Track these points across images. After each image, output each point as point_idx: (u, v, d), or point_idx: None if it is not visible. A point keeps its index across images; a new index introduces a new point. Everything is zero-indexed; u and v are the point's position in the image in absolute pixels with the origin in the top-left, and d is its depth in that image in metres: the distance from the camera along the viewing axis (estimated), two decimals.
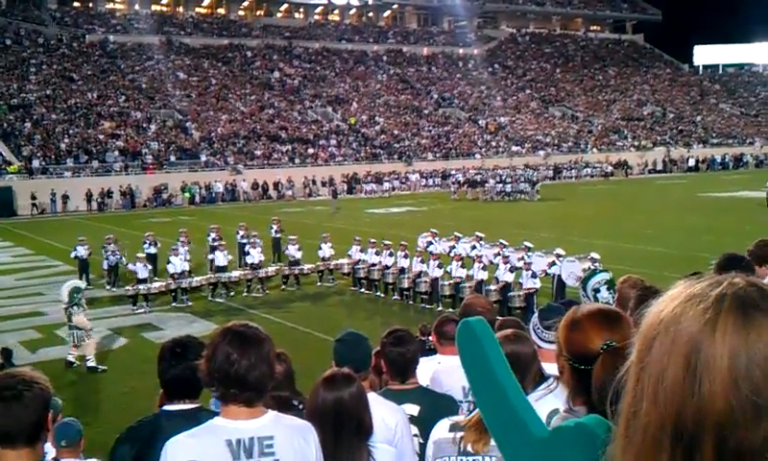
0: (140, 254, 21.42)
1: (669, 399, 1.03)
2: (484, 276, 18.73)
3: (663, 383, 1.04)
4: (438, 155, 67.70)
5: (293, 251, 22.56)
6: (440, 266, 19.50)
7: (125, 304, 20.45)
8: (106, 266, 22.69)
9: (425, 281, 19.57)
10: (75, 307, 15.13)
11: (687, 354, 1.02)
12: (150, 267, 21.13)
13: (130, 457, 3.45)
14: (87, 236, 24.73)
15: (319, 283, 22.65)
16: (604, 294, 13.58)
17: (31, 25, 70.34)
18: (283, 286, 22.41)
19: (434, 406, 4.21)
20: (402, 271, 20.44)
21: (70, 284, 16.17)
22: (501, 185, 51.90)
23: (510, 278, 18.32)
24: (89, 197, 49.47)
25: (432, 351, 5.79)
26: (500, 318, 6.16)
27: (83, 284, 16.85)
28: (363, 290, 21.63)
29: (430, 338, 7.42)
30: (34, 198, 48.02)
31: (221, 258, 21.81)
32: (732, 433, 0.99)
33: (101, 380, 14.35)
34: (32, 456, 2.92)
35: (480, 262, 19.11)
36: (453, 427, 3.45)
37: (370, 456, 3.39)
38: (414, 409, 4.28)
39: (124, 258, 22.11)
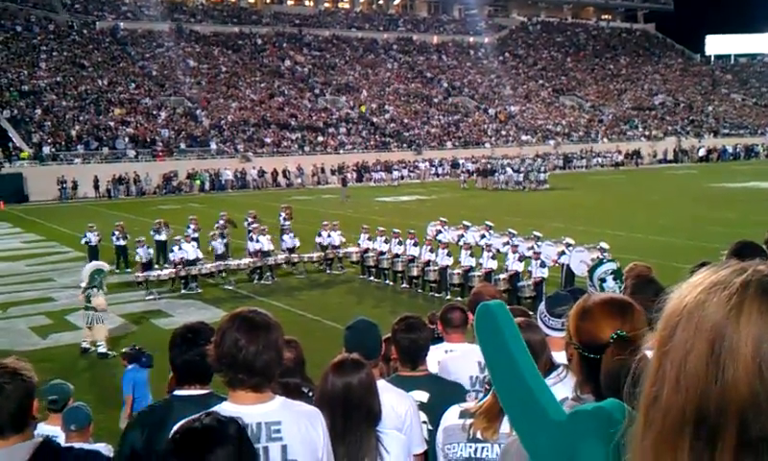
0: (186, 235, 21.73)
1: (692, 385, 1.02)
2: (493, 265, 18.71)
3: (686, 369, 1.03)
4: (448, 144, 67.61)
5: (335, 237, 22.70)
6: (449, 255, 19.48)
7: (134, 291, 20.49)
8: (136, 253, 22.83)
9: (434, 270, 19.56)
10: (94, 289, 15.17)
11: (711, 341, 1.01)
12: (195, 246, 21.34)
13: (140, 442, 3.47)
14: (97, 223, 24.81)
15: (328, 271, 22.67)
16: (610, 284, 13.50)
17: (41, 11, 70.42)
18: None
19: (443, 393, 4.22)
20: (412, 259, 20.45)
21: (92, 265, 16.27)
22: (517, 175, 51.76)
23: (519, 267, 18.28)
24: (96, 183, 49.63)
25: (440, 339, 5.81)
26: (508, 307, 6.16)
27: (106, 267, 16.86)
28: (371, 278, 21.65)
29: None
30: (61, 182, 48.57)
31: (265, 243, 22.08)
32: (756, 420, 0.97)
33: (110, 366, 14.40)
34: (20, 439, 2.98)
35: (489, 251, 19.09)
36: (463, 414, 3.45)
37: (378, 442, 3.40)
38: (423, 396, 4.29)
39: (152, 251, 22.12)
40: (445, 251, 19.58)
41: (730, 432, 0.99)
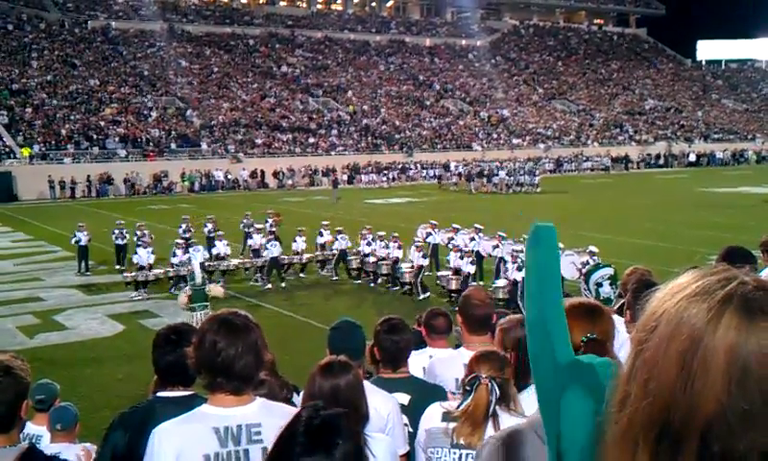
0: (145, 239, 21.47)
1: (660, 391, 1.00)
2: (471, 269, 18.69)
3: (656, 375, 1.01)
4: (439, 146, 67.68)
5: (300, 242, 22.47)
6: (424, 256, 19.52)
7: (123, 291, 20.36)
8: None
9: (410, 271, 19.46)
10: (212, 283, 16.15)
11: (684, 350, 0.99)
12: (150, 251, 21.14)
13: (123, 443, 3.44)
14: (87, 222, 24.68)
15: (320, 272, 22.58)
16: (606, 289, 13.52)
17: (33, 10, 70.19)
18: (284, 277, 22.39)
19: (424, 396, 4.19)
20: (396, 261, 20.32)
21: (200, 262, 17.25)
22: (509, 178, 51.87)
23: (519, 276, 17.92)
24: (88, 183, 49.53)
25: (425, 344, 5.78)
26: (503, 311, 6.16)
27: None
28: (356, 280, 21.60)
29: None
30: (50, 182, 48.43)
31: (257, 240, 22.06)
32: (718, 436, 0.95)
33: (97, 366, 14.34)
34: (6, 442, 2.91)
35: (469, 256, 19.03)
36: (446, 417, 3.43)
37: (365, 446, 3.38)
38: (404, 398, 4.26)
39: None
40: (420, 253, 19.57)
41: (691, 446, 0.97)
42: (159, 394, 3.61)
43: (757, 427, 0.95)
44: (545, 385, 1.67)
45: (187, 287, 15.63)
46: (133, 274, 20.24)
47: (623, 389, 1.07)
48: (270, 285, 20.90)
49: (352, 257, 21.56)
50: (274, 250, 21.19)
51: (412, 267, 19.76)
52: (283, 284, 21.00)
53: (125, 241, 23.23)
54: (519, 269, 17.88)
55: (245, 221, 24.89)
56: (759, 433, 0.95)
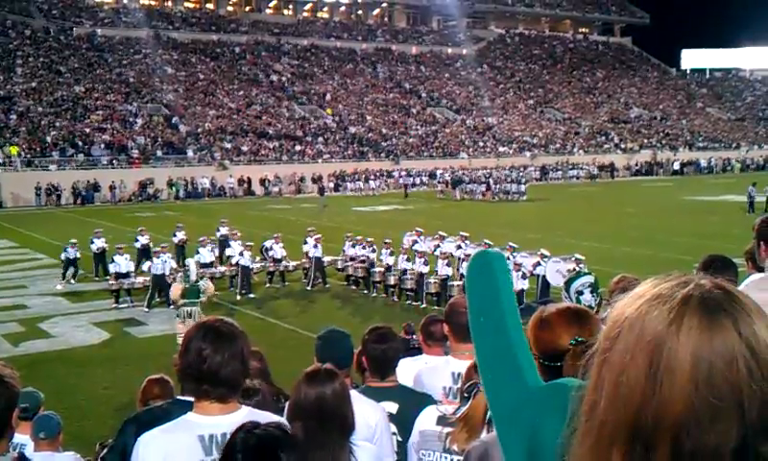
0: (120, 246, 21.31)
1: (628, 397, 1.01)
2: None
3: (624, 382, 1.02)
4: (425, 154, 67.79)
5: (277, 250, 22.44)
6: (425, 263, 19.53)
7: (108, 299, 20.23)
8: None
9: (411, 278, 19.55)
10: (203, 280, 15.91)
11: (650, 354, 1.00)
12: (128, 258, 20.98)
13: (132, 439, 3.46)
14: (73, 230, 24.52)
15: (304, 280, 22.55)
16: (587, 297, 13.53)
17: (18, 16, 69.85)
18: (268, 284, 22.34)
19: (413, 405, 4.17)
20: (388, 268, 20.44)
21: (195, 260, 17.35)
22: (496, 186, 52.05)
23: (524, 285, 17.97)
24: (74, 190, 49.27)
25: (417, 350, 5.74)
26: None
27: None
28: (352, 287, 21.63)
29: (415, 337, 7.36)
30: (36, 189, 48.06)
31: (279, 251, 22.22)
32: (690, 435, 0.97)
33: (82, 374, 14.26)
34: None
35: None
36: (441, 420, 3.42)
37: (351, 454, 3.37)
38: (393, 407, 4.24)
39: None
40: (422, 259, 19.63)
41: (663, 448, 0.98)
42: (180, 397, 3.62)
43: (725, 419, 0.96)
44: (510, 417, 1.63)
45: (179, 282, 15.61)
46: (119, 281, 20.10)
47: (591, 398, 1.08)
48: (243, 294, 20.88)
49: (377, 270, 21.02)
50: (245, 259, 21.16)
51: (404, 273, 19.84)
52: (238, 297, 20.77)
53: (101, 249, 22.93)
54: (524, 277, 18.00)
55: (221, 230, 24.81)
56: (726, 425, 0.96)
